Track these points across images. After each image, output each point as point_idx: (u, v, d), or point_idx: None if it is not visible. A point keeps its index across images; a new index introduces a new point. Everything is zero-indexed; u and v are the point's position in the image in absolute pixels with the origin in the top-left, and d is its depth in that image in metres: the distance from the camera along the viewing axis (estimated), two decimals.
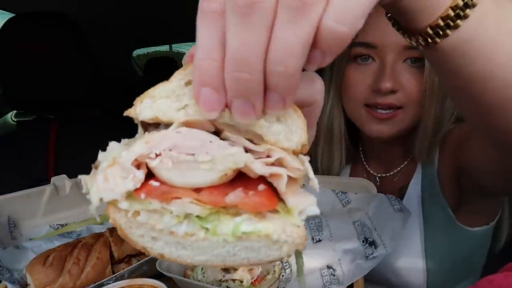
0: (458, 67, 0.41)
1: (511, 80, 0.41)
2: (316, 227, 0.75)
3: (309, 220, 0.76)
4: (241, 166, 0.28)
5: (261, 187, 0.29)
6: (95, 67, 1.28)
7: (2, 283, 0.64)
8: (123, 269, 0.69)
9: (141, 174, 0.29)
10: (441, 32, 0.39)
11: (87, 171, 1.05)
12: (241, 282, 0.63)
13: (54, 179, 0.86)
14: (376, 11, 0.74)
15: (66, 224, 0.85)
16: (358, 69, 0.77)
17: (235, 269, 0.64)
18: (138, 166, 0.29)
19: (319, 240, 0.74)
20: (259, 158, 0.29)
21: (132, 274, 0.68)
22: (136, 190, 0.29)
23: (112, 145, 0.32)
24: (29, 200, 0.82)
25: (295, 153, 0.31)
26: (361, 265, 0.65)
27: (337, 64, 0.80)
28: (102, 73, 1.32)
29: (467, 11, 0.38)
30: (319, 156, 0.89)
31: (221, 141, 0.29)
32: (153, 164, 0.29)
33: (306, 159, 0.30)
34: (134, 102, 0.33)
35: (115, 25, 2.41)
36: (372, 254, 0.66)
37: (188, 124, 0.30)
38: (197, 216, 0.29)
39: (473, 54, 0.40)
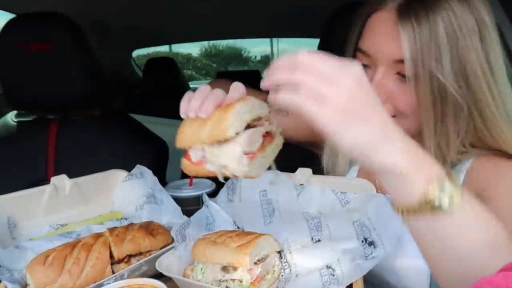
0: (428, 239, 0.48)
1: (478, 256, 0.46)
2: (315, 227, 0.75)
3: (308, 220, 0.76)
4: None
5: None
6: (95, 68, 1.28)
7: (2, 283, 0.64)
8: (123, 269, 0.69)
9: None
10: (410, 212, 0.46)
11: (87, 171, 1.06)
12: (241, 282, 0.63)
13: (54, 179, 0.86)
14: (375, 23, 0.73)
15: (66, 224, 0.85)
16: None
17: (235, 269, 0.64)
18: None
19: (319, 240, 0.74)
20: None
21: (131, 274, 0.69)
22: None
23: None
24: (29, 200, 0.82)
25: None
26: (361, 265, 0.65)
27: None
28: (102, 73, 1.32)
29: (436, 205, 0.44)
30: (325, 157, 0.89)
31: None
32: None
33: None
34: None
35: (115, 25, 2.41)
36: (371, 254, 0.66)
37: None
38: None
39: (440, 234, 0.46)
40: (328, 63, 0.43)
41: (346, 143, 0.43)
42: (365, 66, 0.75)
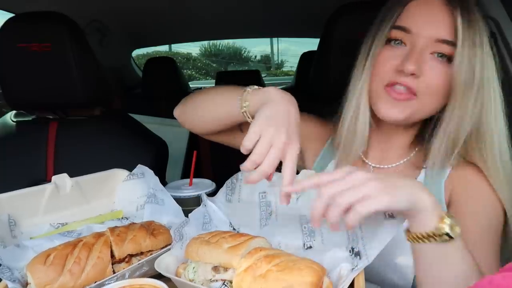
0: (428, 261, 0.62)
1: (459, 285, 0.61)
2: (308, 233, 0.74)
3: (303, 224, 0.75)
4: None
5: None
6: (95, 67, 1.28)
7: (3, 282, 0.64)
8: (123, 268, 0.69)
9: None
10: (420, 241, 0.61)
11: (87, 171, 1.07)
12: (231, 282, 0.63)
13: (55, 178, 0.86)
14: (420, 5, 0.81)
15: (66, 223, 0.85)
16: (389, 50, 0.81)
17: (226, 269, 0.64)
18: None
19: (310, 247, 0.72)
20: None
21: (132, 274, 0.69)
22: None
23: None
24: (30, 199, 0.82)
25: None
26: (347, 275, 0.63)
27: (374, 47, 0.83)
28: (102, 73, 1.32)
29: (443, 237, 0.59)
30: (343, 132, 0.89)
31: None
32: None
33: None
34: None
35: (115, 25, 2.41)
36: (357, 265, 0.64)
37: None
38: None
39: (440, 258, 0.61)
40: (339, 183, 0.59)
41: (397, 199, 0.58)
42: (399, 43, 0.80)
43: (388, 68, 0.80)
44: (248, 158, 0.65)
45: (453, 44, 0.74)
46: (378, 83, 0.82)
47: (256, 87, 0.78)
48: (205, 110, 0.88)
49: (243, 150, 0.66)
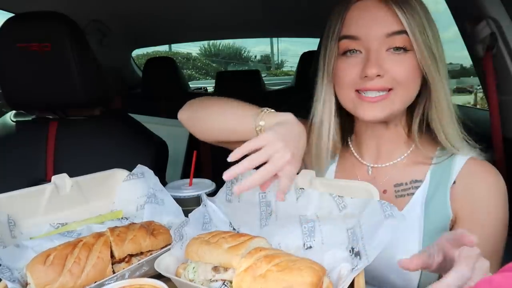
0: None
1: None
2: (308, 232, 0.74)
3: (303, 223, 0.75)
4: None
5: None
6: (95, 67, 1.28)
7: (2, 282, 0.64)
8: (123, 268, 0.69)
9: None
10: None
11: (87, 171, 1.07)
12: (231, 282, 0.63)
13: (54, 178, 0.86)
14: (360, 10, 0.83)
15: (66, 223, 0.85)
16: (346, 60, 0.82)
17: (226, 269, 0.64)
18: None
19: (310, 247, 0.72)
20: None
21: (132, 274, 0.69)
22: None
23: None
24: (30, 199, 0.82)
25: None
26: (347, 276, 0.63)
27: (328, 59, 0.85)
28: (102, 73, 1.32)
29: None
30: (311, 150, 0.91)
31: None
32: None
33: None
34: None
35: (115, 25, 2.41)
36: (356, 266, 0.64)
37: None
38: None
39: None
40: None
41: None
42: (353, 52, 0.81)
43: (351, 77, 0.81)
44: (241, 162, 0.65)
45: (403, 32, 0.77)
46: (346, 91, 0.83)
47: (272, 110, 0.79)
48: (215, 121, 0.88)
49: (236, 151, 0.65)
